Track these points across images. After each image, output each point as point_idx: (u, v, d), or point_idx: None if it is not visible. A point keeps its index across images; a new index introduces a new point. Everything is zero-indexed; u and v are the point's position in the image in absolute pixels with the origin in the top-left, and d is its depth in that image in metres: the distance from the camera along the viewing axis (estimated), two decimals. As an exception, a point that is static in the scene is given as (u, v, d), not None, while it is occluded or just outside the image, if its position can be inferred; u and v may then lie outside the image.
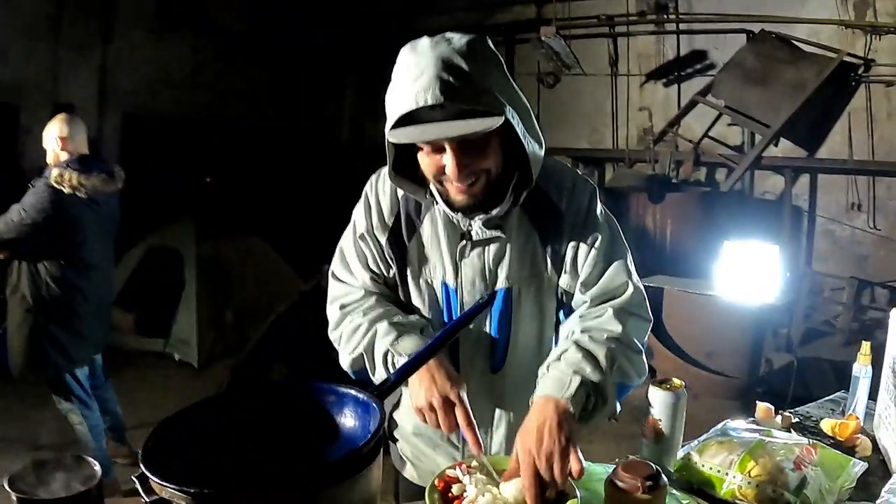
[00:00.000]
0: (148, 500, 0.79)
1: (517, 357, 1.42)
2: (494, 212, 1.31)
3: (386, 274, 1.45)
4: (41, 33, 6.20)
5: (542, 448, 1.10)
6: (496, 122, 1.15)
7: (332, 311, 1.45)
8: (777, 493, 1.19)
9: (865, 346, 1.75)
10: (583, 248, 1.37)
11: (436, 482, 1.16)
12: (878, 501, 1.22)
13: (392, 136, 1.18)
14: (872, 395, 1.71)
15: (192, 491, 0.75)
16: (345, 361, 1.40)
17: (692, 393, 3.72)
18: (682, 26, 7.49)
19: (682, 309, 3.66)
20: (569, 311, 1.42)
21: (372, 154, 1.95)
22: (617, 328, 1.30)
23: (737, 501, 1.22)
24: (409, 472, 1.56)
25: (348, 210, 1.50)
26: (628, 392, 1.34)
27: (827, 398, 1.93)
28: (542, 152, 1.32)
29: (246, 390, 0.97)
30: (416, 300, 1.44)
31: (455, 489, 1.14)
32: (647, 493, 1.01)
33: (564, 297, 1.43)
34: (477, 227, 1.34)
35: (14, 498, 0.95)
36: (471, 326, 1.40)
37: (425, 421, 1.25)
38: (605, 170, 8.20)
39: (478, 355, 1.42)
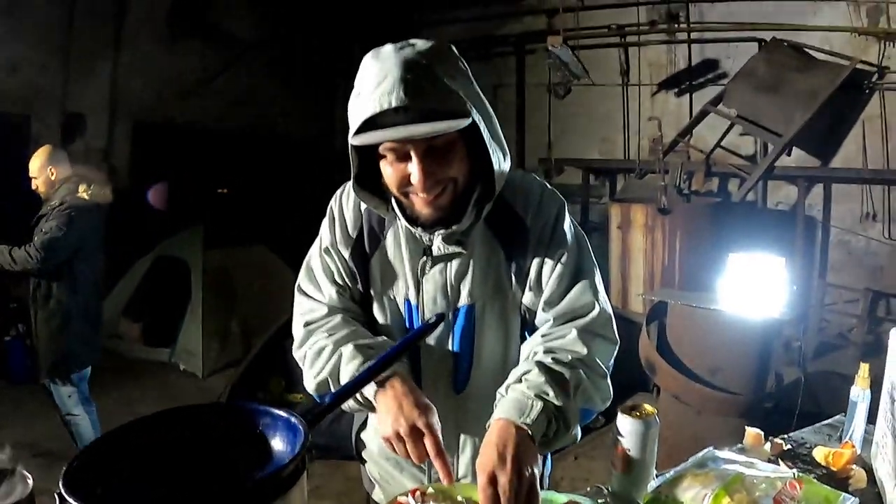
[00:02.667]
0: None
1: (481, 377, 1.36)
2: (455, 227, 1.26)
3: (352, 288, 1.41)
4: (51, 43, 6.25)
5: (506, 479, 1.03)
6: (463, 122, 1.12)
7: (297, 329, 1.41)
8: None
9: (864, 369, 1.65)
10: (548, 264, 1.32)
11: None
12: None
13: (356, 140, 1.14)
14: (873, 418, 1.63)
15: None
16: (309, 385, 1.34)
17: (695, 410, 3.66)
18: (694, 35, 7.43)
19: (685, 323, 3.57)
20: (533, 331, 1.36)
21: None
22: (582, 350, 1.24)
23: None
24: (378, 495, 1.52)
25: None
26: (591, 417, 1.28)
27: (825, 422, 1.85)
28: (508, 164, 1.28)
29: (182, 412, 0.95)
30: (378, 316, 1.40)
31: None
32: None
33: (528, 315, 1.37)
34: (438, 243, 1.30)
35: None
36: (432, 344, 1.35)
37: (394, 450, 1.17)
38: (617, 180, 8.13)
39: (441, 375, 1.38)
